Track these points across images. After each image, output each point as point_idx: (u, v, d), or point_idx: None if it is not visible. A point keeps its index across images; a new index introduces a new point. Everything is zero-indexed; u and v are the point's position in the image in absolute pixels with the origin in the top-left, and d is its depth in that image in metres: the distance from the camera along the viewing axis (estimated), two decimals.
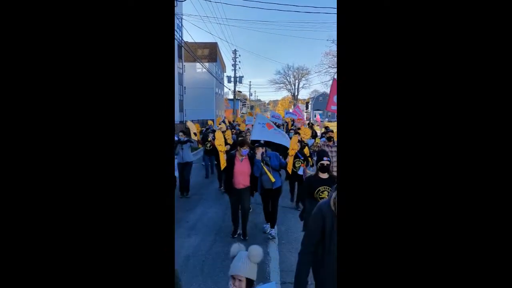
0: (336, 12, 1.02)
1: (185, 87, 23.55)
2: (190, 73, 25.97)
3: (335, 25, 1.02)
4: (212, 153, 7.57)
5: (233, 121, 15.80)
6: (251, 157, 4.18)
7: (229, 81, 26.96)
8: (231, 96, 32.91)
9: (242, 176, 4.08)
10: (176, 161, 5.98)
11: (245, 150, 4.04)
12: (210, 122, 12.37)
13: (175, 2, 10.17)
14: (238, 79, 26.60)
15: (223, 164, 4.23)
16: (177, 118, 20.35)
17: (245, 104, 51.03)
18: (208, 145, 7.52)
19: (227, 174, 4.14)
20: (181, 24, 17.97)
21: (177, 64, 21.50)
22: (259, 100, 71.58)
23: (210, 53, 27.49)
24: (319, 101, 49.62)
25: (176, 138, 6.25)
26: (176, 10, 9.86)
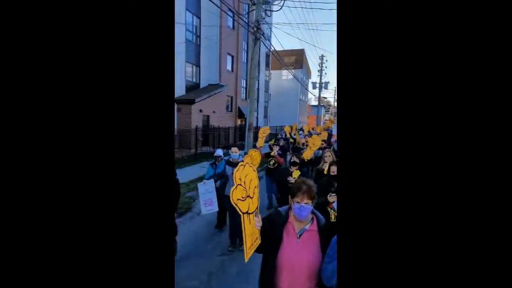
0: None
1: (270, 93, 24.22)
2: (276, 80, 26.61)
3: None
4: (276, 174, 5.04)
5: (312, 128, 14.04)
6: (325, 227, 1.66)
7: (314, 87, 26.47)
8: (313, 103, 32.23)
9: (297, 272, 1.58)
10: (212, 193, 4.16)
11: (307, 205, 1.58)
12: (286, 128, 10.50)
13: (269, 12, 10.48)
14: (323, 85, 25.88)
15: (249, 243, 1.53)
16: (261, 123, 21.05)
17: (329, 111, 49.42)
18: (272, 162, 5.33)
19: (265, 265, 1.69)
20: (270, 34, 18.57)
21: (264, 72, 22.36)
22: None
23: (297, 60, 27.66)
24: None
25: (219, 153, 4.58)
26: (268, 19, 10.17)
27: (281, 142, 7.32)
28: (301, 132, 11.34)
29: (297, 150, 6.95)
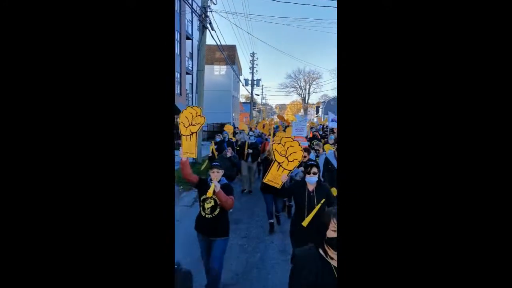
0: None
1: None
2: (208, 75, 25.53)
3: None
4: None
5: (251, 129, 11.80)
6: None
7: (246, 84, 26.46)
8: (241, 99, 32.41)
9: None
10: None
11: None
12: (228, 128, 7.86)
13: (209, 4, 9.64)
14: (255, 82, 26.13)
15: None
16: None
17: (255, 108, 50.78)
18: (209, 208, 2.69)
19: None
20: (202, 28, 17.54)
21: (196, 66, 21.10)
22: (267, 104, 71.00)
23: (229, 55, 27.10)
24: (330, 104, 49.33)
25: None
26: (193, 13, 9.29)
27: (229, 153, 5.30)
28: (251, 132, 8.73)
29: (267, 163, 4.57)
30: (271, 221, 4.67)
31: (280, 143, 2.80)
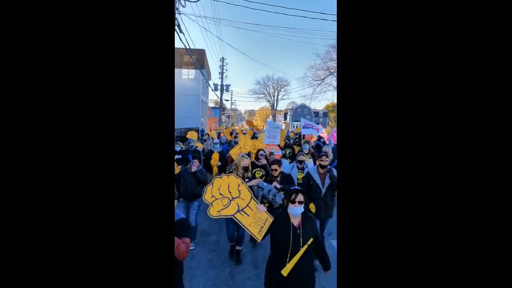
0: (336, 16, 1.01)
1: None
2: (175, 79, 24.93)
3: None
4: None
5: (219, 135, 11.89)
6: None
7: (215, 89, 26.30)
8: (210, 104, 32.14)
9: None
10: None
11: None
12: (192, 135, 7.47)
13: (184, 2, 9.54)
14: (224, 87, 26.09)
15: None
16: None
17: (224, 113, 50.54)
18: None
19: None
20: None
21: None
22: (236, 110, 71.01)
23: (198, 59, 26.76)
24: (297, 112, 50.73)
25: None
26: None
27: (194, 167, 3.96)
28: (216, 140, 8.10)
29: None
30: (238, 248, 3.89)
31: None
